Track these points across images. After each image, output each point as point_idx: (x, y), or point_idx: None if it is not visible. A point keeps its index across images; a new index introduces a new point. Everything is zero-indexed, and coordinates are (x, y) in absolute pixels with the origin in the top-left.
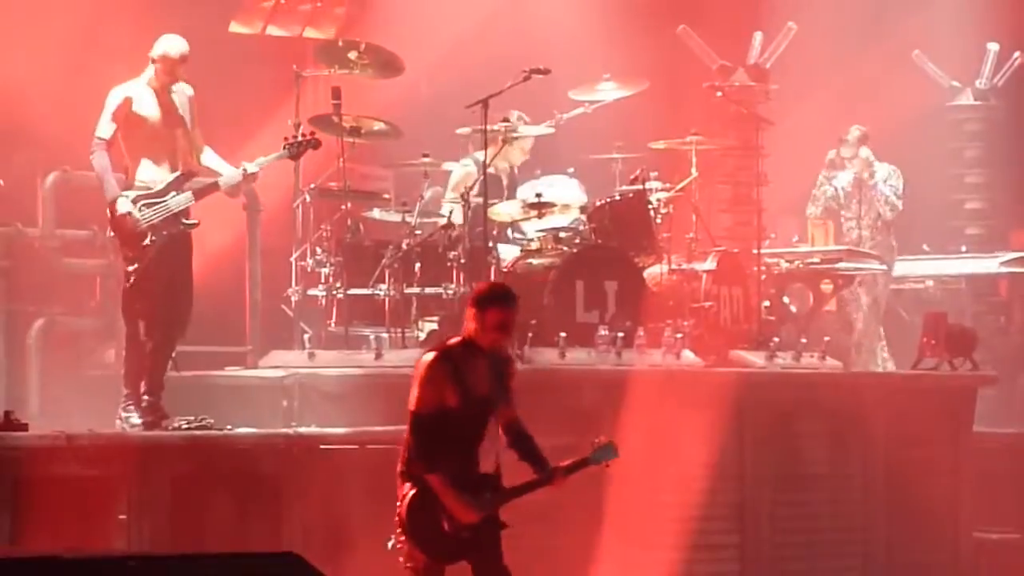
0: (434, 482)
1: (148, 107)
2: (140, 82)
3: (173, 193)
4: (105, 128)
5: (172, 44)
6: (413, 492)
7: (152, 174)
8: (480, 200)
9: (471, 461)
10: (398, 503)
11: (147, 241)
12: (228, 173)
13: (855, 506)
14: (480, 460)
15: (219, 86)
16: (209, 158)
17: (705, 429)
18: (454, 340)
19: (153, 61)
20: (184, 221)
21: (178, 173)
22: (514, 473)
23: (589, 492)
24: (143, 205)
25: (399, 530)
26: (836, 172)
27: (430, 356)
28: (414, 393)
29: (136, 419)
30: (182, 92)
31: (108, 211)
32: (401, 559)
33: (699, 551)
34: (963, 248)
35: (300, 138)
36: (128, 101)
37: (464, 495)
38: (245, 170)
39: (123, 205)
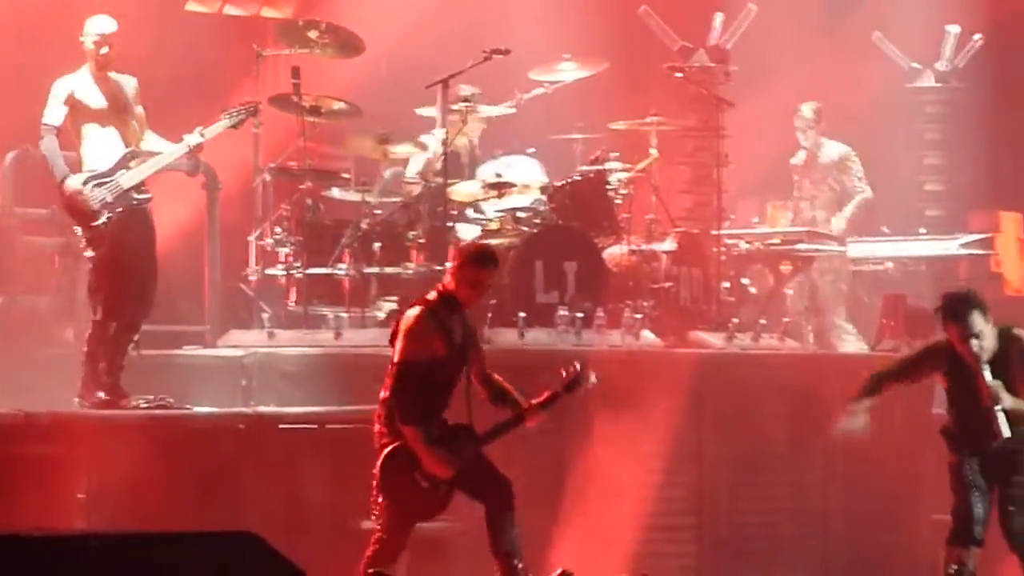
0: (410, 434)
1: (92, 95)
2: (82, 72)
3: (122, 171)
4: (52, 115)
5: (97, 23)
6: (388, 449)
7: (100, 156)
8: (440, 180)
9: (445, 410)
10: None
11: (102, 220)
12: (172, 148)
13: (814, 487)
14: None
15: (178, 66)
16: (152, 142)
17: (664, 410)
18: (432, 295)
19: (85, 43)
20: (136, 196)
21: (126, 151)
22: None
23: (548, 472)
24: (94, 185)
25: (375, 491)
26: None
27: (416, 310)
28: (400, 345)
29: (95, 398)
30: (126, 81)
31: (60, 192)
32: (373, 518)
33: (657, 532)
34: (922, 230)
35: (240, 107)
36: (72, 90)
37: (439, 449)
38: (188, 143)
39: (73, 183)
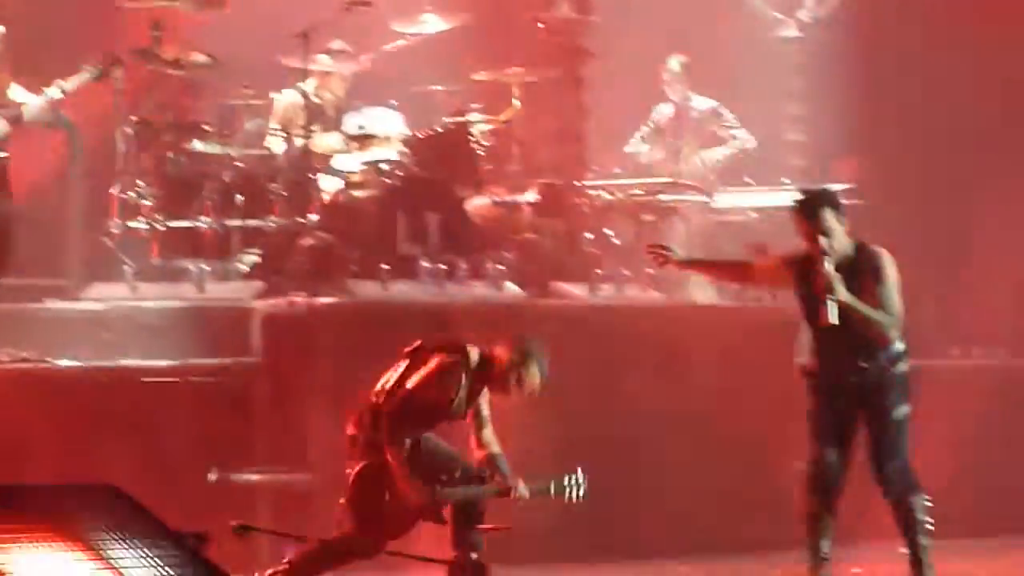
0: (395, 457)
1: None
2: None
3: None
4: None
5: None
6: (364, 465)
7: None
8: (302, 132)
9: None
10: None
11: None
12: (32, 102)
13: (679, 439)
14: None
15: (37, 20)
16: (16, 94)
17: None
18: (479, 352)
19: None
20: None
21: None
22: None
23: None
24: None
25: (346, 497)
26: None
27: (455, 356)
28: (423, 377)
29: None
30: None
31: None
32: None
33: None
34: (786, 180)
35: (100, 60)
36: None
37: (416, 479)
38: (48, 97)
39: None
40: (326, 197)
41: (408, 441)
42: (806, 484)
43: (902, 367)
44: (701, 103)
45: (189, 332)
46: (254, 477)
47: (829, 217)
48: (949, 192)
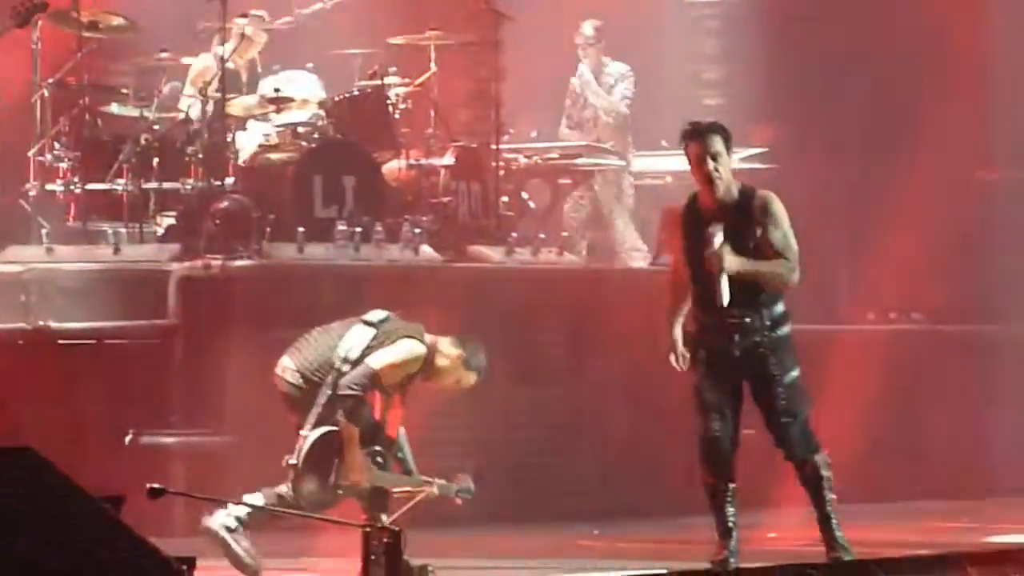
0: (350, 434)
1: None
2: None
3: None
4: None
5: None
6: (326, 431)
7: None
8: (219, 95)
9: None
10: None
11: None
12: None
13: (594, 402)
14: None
15: None
16: None
17: (442, 323)
18: (427, 342)
19: None
20: None
21: None
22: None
23: None
24: None
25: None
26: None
27: (421, 350)
28: (389, 361)
29: None
30: None
31: None
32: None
33: (435, 446)
34: None
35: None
36: None
37: (364, 457)
38: None
39: None
40: (242, 160)
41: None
42: (699, 457)
43: (785, 329)
44: (615, 68)
45: (105, 295)
46: (170, 439)
47: (718, 143)
48: (865, 157)
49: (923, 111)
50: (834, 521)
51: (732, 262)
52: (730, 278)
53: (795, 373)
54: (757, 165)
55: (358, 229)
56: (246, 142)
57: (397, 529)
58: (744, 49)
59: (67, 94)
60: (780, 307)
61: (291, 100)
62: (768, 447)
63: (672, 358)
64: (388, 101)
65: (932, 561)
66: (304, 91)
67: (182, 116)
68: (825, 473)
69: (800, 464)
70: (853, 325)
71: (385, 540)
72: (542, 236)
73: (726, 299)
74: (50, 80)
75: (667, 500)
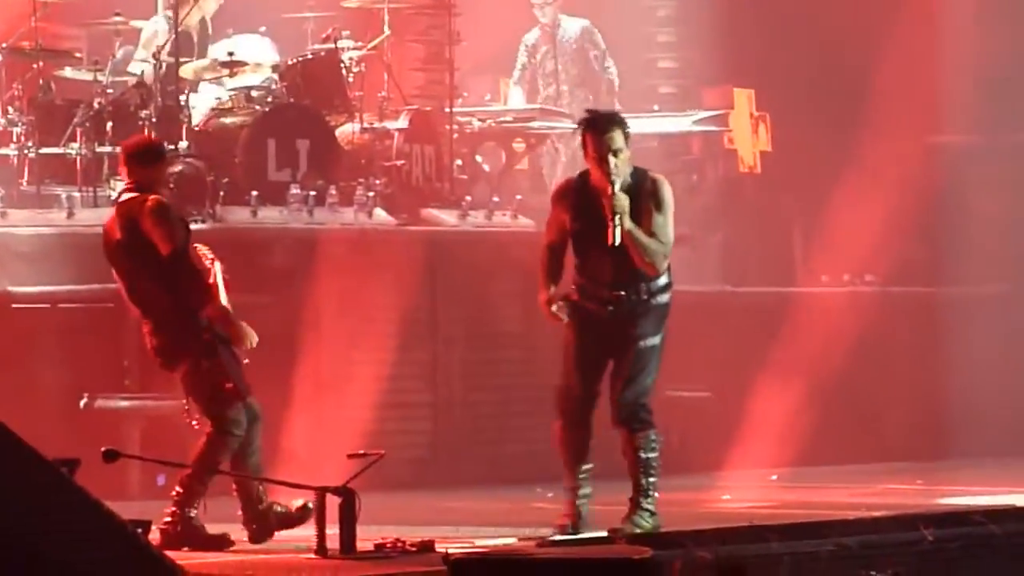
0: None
1: None
2: None
3: None
4: None
5: None
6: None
7: None
8: (172, 59)
9: None
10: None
11: None
12: None
13: (548, 364)
14: None
15: None
16: None
17: (397, 287)
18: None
19: None
20: None
21: None
22: None
23: (277, 354)
24: None
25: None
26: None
27: (155, 198)
28: (164, 232)
29: None
30: None
31: None
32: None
33: (391, 409)
34: (656, 107)
35: None
36: None
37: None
38: None
39: None
40: (196, 124)
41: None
42: (557, 411)
43: (663, 298)
44: (571, 25)
45: (59, 259)
46: (125, 403)
47: (619, 138)
48: (820, 119)
49: (875, 74)
50: (644, 504)
51: (627, 215)
52: (613, 255)
53: (655, 341)
54: (711, 128)
55: (312, 192)
56: (199, 106)
57: (351, 491)
58: (698, 10)
59: (20, 59)
60: (663, 279)
61: (244, 64)
62: (721, 410)
63: (553, 308)
64: (341, 64)
65: (886, 522)
66: (257, 55)
67: (135, 80)
68: (645, 455)
69: (626, 435)
70: (807, 288)
71: (340, 502)
72: (496, 199)
73: (617, 239)
74: (3, 45)
75: (621, 462)
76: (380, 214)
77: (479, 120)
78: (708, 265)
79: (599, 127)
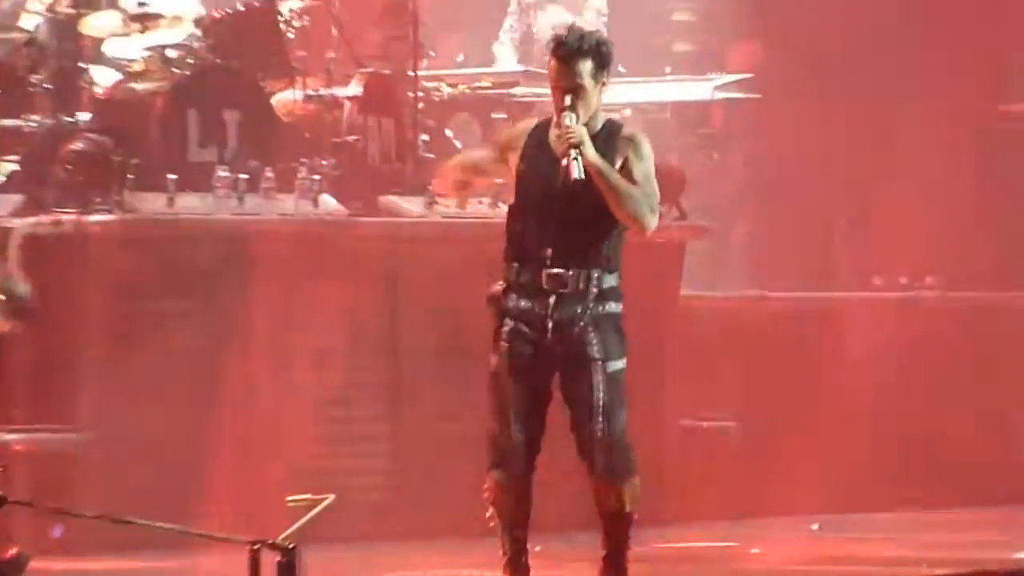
0: None
1: None
2: None
3: None
4: None
5: None
6: None
7: None
8: (71, 11)
9: None
10: None
11: None
12: None
13: None
14: None
15: None
16: None
17: (349, 293)
18: None
19: None
20: None
21: None
22: None
23: (199, 371)
24: None
25: None
26: None
27: None
28: None
29: None
30: None
31: None
32: None
33: (342, 443)
34: (668, 69)
35: None
36: None
37: None
38: None
39: None
40: (100, 91)
41: None
42: (488, 461)
43: (614, 307)
44: None
45: None
46: (11, 436)
47: (585, 71)
48: (867, 85)
49: (935, 26)
50: (621, 561)
51: (589, 146)
52: (558, 224)
53: (620, 364)
54: (735, 94)
55: (243, 176)
56: (104, 69)
57: (291, 546)
58: None
59: None
60: (612, 279)
61: (160, 16)
62: (748, 443)
63: None
64: (280, 17)
65: None
66: (176, 5)
67: (26, 37)
68: (629, 508)
69: (605, 488)
70: (855, 292)
71: (278, 559)
72: None
73: (579, 174)
74: None
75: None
76: (328, 202)
77: (449, 86)
78: (732, 265)
79: (563, 52)
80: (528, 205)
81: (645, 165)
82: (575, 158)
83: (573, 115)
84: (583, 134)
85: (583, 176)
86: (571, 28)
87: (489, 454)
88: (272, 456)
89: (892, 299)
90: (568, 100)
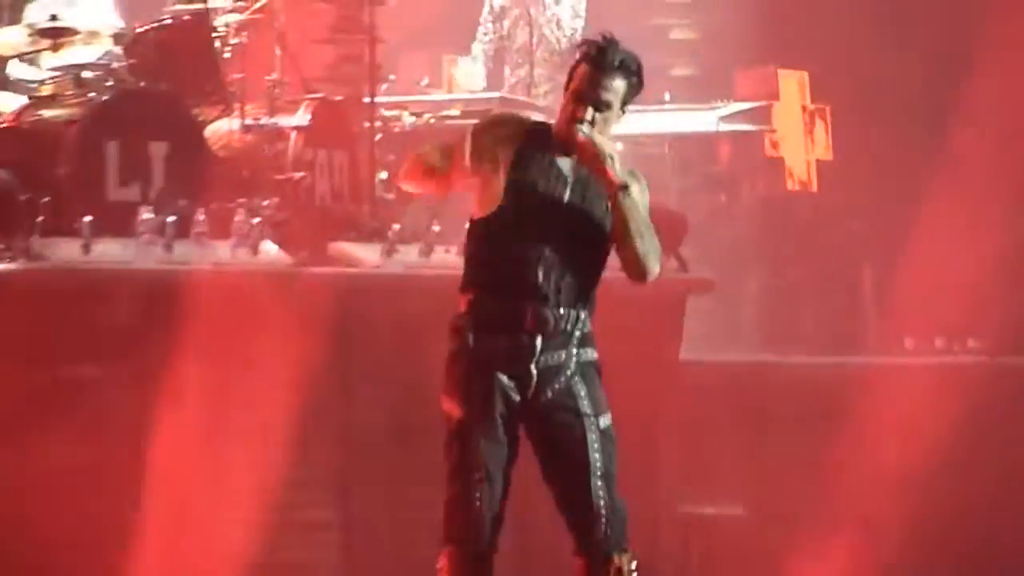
0: None
1: None
2: None
3: None
4: None
5: None
6: None
7: None
8: None
9: None
10: None
11: None
12: None
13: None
14: None
15: None
16: None
17: (294, 356)
18: None
19: None
20: None
21: None
22: None
23: (123, 442)
24: None
25: None
26: None
27: None
28: None
29: None
30: None
31: None
32: None
33: (285, 531)
34: (667, 97)
35: None
36: None
37: None
38: None
39: None
40: (2, 119)
41: None
42: (445, 532)
43: (592, 354)
44: None
45: None
46: None
47: (618, 89)
48: (901, 116)
49: (981, 51)
50: None
51: (619, 160)
52: (556, 257)
53: (609, 419)
54: (743, 126)
55: (171, 218)
56: (9, 93)
57: None
58: None
59: None
60: (589, 324)
61: (74, 32)
62: (759, 534)
63: None
64: (215, 33)
65: None
66: (93, 19)
67: None
68: None
69: (604, 564)
70: (885, 357)
71: None
72: (436, 228)
73: (585, 132)
74: None
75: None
76: (270, 249)
77: (412, 114)
78: (742, 325)
79: (602, 61)
80: (517, 222)
81: (647, 201)
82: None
83: (589, 127)
84: (610, 146)
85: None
86: (612, 39)
87: (446, 526)
88: (205, 547)
89: (929, 365)
90: (589, 113)
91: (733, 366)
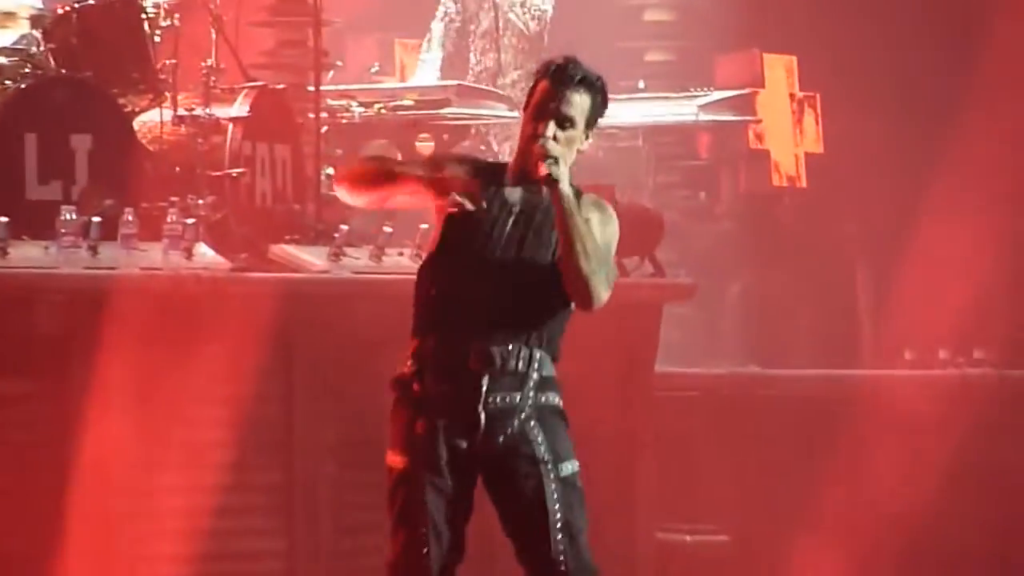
0: None
1: None
2: None
3: None
4: None
5: None
6: None
7: None
8: None
9: None
10: None
11: None
12: None
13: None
14: None
15: None
16: None
17: (231, 369)
18: None
19: None
20: None
21: None
22: None
23: (46, 465)
24: None
25: None
26: None
27: None
28: None
29: None
30: None
31: None
32: None
33: (224, 561)
34: (641, 84)
35: None
36: None
37: None
38: None
39: None
40: None
41: None
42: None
43: (555, 399)
44: None
45: None
46: None
47: (580, 105)
48: (898, 104)
49: (988, 37)
50: None
51: (567, 174)
52: (499, 291)
53: (574, 466)
54: (725, 116)
55: (96, 219)
56: None
57: None
58: None
59: None
60: (552, 368)
61: None
62: (744, 562)
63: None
64: (144, 15)
65: None
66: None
67: None
68: None
69: None
70: (879, 370)
71: None
72: (388, 229)
73: (559, 178)
74: None
75: None
76: (205, 253)
77: (361, 105)
78: (724, 334)
79: (560, 76)
80: (456, 256)
81: (608, 234)
82: (552, 166)
83: (552, 143)
84: (565, 154)
85: (559, 180)
86: (572, 58)
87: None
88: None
89: (930, 378)
90: (551, 129)
91: (714, 379)
